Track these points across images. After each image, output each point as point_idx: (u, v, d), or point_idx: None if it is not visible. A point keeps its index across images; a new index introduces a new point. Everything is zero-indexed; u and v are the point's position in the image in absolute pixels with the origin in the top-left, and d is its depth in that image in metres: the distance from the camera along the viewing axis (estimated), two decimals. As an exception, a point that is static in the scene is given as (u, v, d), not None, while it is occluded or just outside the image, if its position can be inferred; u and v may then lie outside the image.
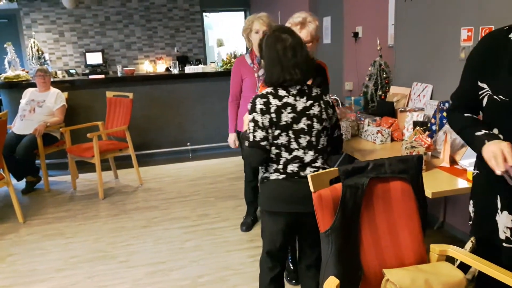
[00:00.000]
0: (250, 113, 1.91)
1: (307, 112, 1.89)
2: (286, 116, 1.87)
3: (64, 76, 7.06)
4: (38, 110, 4.54)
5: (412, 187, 1.70)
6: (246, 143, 1.94)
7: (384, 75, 3.63)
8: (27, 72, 5.54)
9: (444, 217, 3.27)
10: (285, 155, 1.91)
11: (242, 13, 9.60)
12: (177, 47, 8.92)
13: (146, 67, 8.75)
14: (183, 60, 8.54)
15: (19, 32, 8.51)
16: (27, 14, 8.25)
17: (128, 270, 2.87)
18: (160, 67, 8.69)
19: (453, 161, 2.36)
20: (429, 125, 2.77)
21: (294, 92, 1.90)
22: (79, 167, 4.92)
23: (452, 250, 1.63)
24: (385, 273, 1.54)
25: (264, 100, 1.88)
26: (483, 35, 2.61)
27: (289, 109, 1.87)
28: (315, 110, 1.91)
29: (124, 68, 7.03)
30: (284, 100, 1.88)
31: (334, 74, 5.17)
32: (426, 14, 3.16)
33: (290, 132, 1.89)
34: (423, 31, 3.21)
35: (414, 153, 2.29)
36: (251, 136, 1.90)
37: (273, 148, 1.92)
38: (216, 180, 4.65)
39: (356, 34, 4.48)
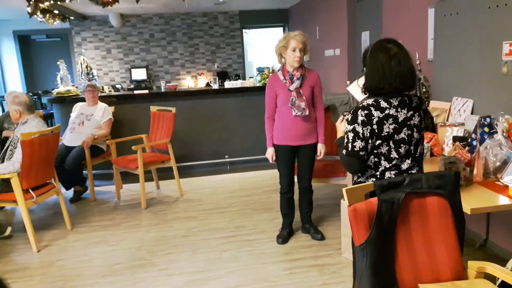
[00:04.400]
0: (350, 124, 1.96)
1: (408, 123, 1.95)
2: (388, 127, 1.93)
3: (110, 91, 7.40)
4: (87, 123, 4.80)
5: (449, 202, 1.69)
6: (344, 151, 2.01)
7: (424, 90, 3.59)
8: (77, 87, 5.87)
9: (487, 235, 3.17)
10: (384, 163, 1.98)
11: (281, 29, 9.74)
12: (217, 63, 9.16)
13: (188, 82, 9.03)
14: (223, 76, 8.76)
15: (70, 49, 9.04)
16: (78, 33, 8.75)
17: (167, 278, 2.97)
18: (201, 83, 8.94)
19: (494, 178, 2.32)
20: (469, 140, 2.73)
21: (396, 103, 1.95)
22: (123, 177, 5.14)
23: (491, 268, 1.61)
24: (421, 288, 1.54)
25: (366, 112, 1.93)
26: (526, 49, 2.57)
27: (390, 120, 1.93)
28: (416, 120, 1.97)
29: (167, 84, 7.29)
30: (386, 111, 1.93)
31: (372, 89, 5.15)
32: (466, 28, 3.12)
33: (391, 142, 1.95)
34: (463, 45, 3.17)
35: (453, 169, 2.26)
36: (350, 145, 1.96)
37: (372, 156, 1.99)
38: (253, 192, 4.72)
39: (395, 49, 4.45)
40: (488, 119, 2.64)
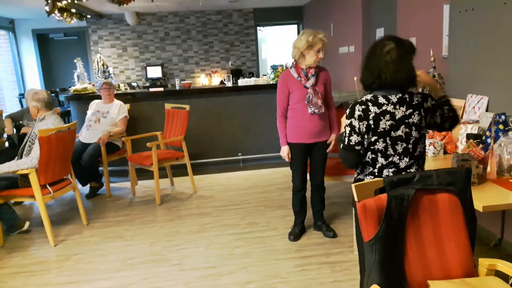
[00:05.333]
0: (347, 118, 2.00)
1: (406, 121, 1.94)
2: (384, 124, 1.94)
3: (126, 89, 7.50)
4: (103, 121, 4.88)
5: (460, 200, 1.69)
6: (341, 145, 2.04)
7: (438, 87, 3.56)
8: (93, 85, 5.97)
9: (502, 234, 3.13)
10: (381, 160, 1.99)
11: (295, 26, 9.72)
12: (231, 61, 9.20)
13: (202, 80, 9.09)
14: (237, 73, 8.80)
15: (87, 48, 9.19)
16: (94, 31, 8.89)
17: (180, 273, 3.01)
18: (215, 80, 8.99)
19: (508, 176, 2.29)
20: (483, 138, 2.70)
21: (394, 100, 1.95)
22: (138, 174, 5.21)
23: (502, 265, 1.60)
24: (430, 285, 1.54)
25: (363, 107, 1.95)
26: (542, 45, 2.52)
27: (387, 116, 1.93)
28: (415, 119, 1.95)
29: (181, 81, 7.36)
30: (384, 108, 1.94)
31: (386, 86, 5.11)
32: (481, 24, 3.08)
33: (388, 139, 1.95)
34: (478, 42, 3.13)
35: (465, 166, 2.24)
36: (346, 139, 2.00)
37: (369, 153, 2.00)
38: (266, 189, 4.74)
39: (409, 46, 4.42)
40: (503, 116, 2.61)
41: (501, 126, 2.61)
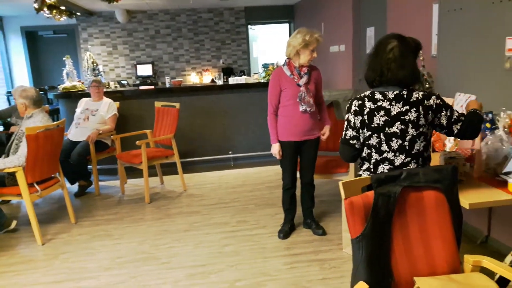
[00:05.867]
0: (345, 113, 2.07)
1: (402, 117, 1.95)
2: (378, 119, 1.96)
3: (116, 87, 7.45)
4: (92, 119, 4.84)
5: (447, 197, 1.70)
6: (340, 140, 2.12)
7: (427, 85, 3.58)
8: (83, 83, 5.92)
9: (488, 231, 3.16)
10: (375, 156, 2.02)
11: (287, 25, 9.72)
12: (222, 59, 9.18)
13: (193, 78, 9.06)
14: (228, 72, 8.78)
15: (76, 45, 9.10)
16: (84, 29, 8.81)
17: (169, 271, 3.00)
18: (206, 79, 8.97)
19: (494, 174, 2.31)
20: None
21: (391, 96, 1.97)
22: (127, 172, 5.18)
23: (487, 262, 1.61)
24: (416, 281, 1.55)
25: (360, 102, 2.01)
26: (528, 44, 2.55)
27: (382, 112, 1.96)
28: (412, 115, 1.95)
29: (172, 80, 7.33)
30: (379, 103, 1.97)
31: (376, 85, 5.14)
32: (469, 24, 3.11)
33: (382, 135, 1.98)
34: (466, 41, 3.16)
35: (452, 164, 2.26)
36: (343, 133, 2.07)
37: (365, 148, 2.05)
38: (256, 188, 4.74)
39: (399, 45, 4.44)
40: (490, 115, 2.63)
41: (488, 125, 2.63)
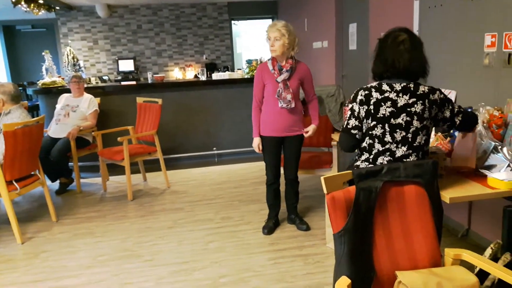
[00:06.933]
0: (350, 103, 2.06)
1: (408, 109, 1.97)
2: (384, 110, 1.98)
3: (97, 83, 7.34)
4: (72, 115, 4.75)
5: (427, 191, 1.72)
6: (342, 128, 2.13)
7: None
8: (63, 78, 5.81)
9: (469, 225, 3.22)
10: (378, 146, 2.03)
11: (270, 20, 9.70)
12: (206, 55, 9.11)
13: (176, 74, 8.98)
14: (211, 67, 8.72)
15: (56, 40, 8.93)
16: (64, 23, 8.63)
17: (152, 268, 2.98)
18: (190, 74, 8.90)
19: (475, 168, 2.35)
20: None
21: (398, 88, 1.98)
22: (109, 169, 5.12)
23: (467, 255, 1.64)
24: (398, 275, 1.56)
25: (366, 92, 2.01)
26: (506, 41, 2.60)
27: (388, 103, 1.97)
28: (418, 108, 1.97)
29: (154, 75, 7.25)
30: (386, 94, 1.98)
31: (359, 80, 5.17)
32: (450, 20, 3.15)
33: (387, 126, 1.99)
34: (447, 37, 3.20)
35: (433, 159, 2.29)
36: (345, 122, 2.07)
37: (366, 138, 2.05)
38: (240, 184, 4.73)
39: (381, 41, 4.47)
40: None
41: (467, 120, 2.66)
